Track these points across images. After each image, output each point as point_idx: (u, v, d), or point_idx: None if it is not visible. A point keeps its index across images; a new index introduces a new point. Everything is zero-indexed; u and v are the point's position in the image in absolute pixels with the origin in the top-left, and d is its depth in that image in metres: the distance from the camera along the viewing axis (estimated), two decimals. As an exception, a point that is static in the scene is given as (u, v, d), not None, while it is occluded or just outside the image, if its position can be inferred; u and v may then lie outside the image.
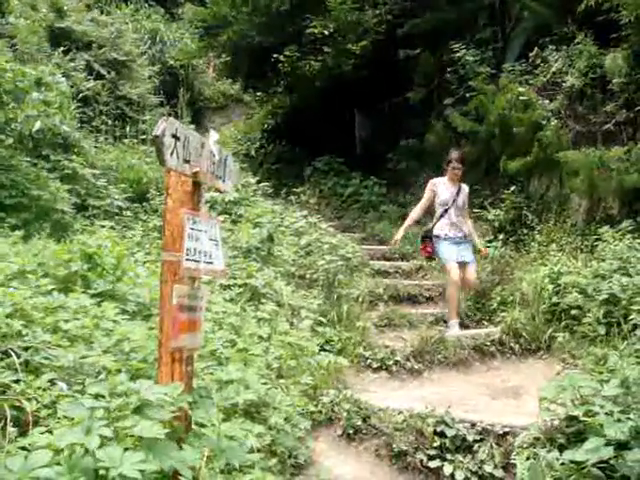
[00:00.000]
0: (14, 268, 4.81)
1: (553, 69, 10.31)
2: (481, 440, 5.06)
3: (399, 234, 8.38)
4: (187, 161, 2.96)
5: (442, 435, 5.11)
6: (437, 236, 8.20)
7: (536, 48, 10.81)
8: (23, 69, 8.12)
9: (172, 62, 18.53)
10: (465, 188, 8.44)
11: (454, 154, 8.43)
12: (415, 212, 8.47)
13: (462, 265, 8.08)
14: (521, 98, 10.36)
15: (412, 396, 6.18)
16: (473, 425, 5.17)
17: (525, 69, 11.02)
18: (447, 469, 4.88)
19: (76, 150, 9.27)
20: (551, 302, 7.45)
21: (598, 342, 6.56)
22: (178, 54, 18.36)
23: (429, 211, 8.68)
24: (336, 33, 13.43)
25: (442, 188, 8.32)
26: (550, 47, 10.54)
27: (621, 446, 3.62)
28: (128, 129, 12.28)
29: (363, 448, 5.28)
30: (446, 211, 8.23)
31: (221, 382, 4.22)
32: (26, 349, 3.57)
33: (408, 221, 8.46)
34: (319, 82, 14.25)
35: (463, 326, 8.11)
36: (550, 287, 7.51)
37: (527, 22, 12.03)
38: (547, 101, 10.31)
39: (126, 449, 2.39)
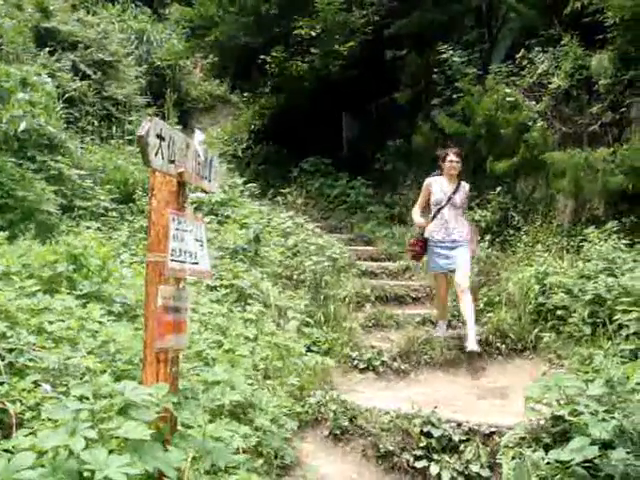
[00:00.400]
0: (-1, 269, 4.79)
1: (539, 70, 10.34)
2: (467, 440, 5.08)
3: (420, 220, 7.86)
4: (172, 161, 2.95)
5: (428, 435, 5.13)
6: (427, 239, 7.76)
7: (522, 49, 10.83)
8: (8, 69, 8.10)
9: (159, 62, 18.47)
10: (465, 186, 7.86)
11: (450, 149, 7.98)
12: (415, 211, 7.98)
13: (453, 271, 7.62)
14: (507, 99, 10.38)
15: (399, 396, 6.19)
16: (459, 425, 5.19)
17: (511, 70, 11.04)
18: (433, 469, 4.90)
19: (62, 151, 9.20)
20: (537, 302, 7.49)
21: (584, 342, 6.60)
22: (165, 54, 18.32)
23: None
24: (323, 34, 13.44)
25: (436, 187, 7.79)
26: (536, 48, 10.56)
27: (606, 445, 3.64)
28: (114, 130, 12.20)
29: (350, 448, 5.28)
30: (439, 211, 7.69)
31: (207, 383, 4.21)
32: (10, 351, 3.55)
33: (418, 215, 7.93)
34: (306, 83, 14.25)
35: (450, 327, 8.13)
36: (536, 287, 7.55)
37: (513, 24, 12.08)
38: (533, 102, 10.34)
39: (111, 451, 2.38)
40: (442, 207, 7.70)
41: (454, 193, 7.72)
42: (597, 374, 4.52)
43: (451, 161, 7.72)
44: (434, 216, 7.75)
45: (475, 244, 8.15)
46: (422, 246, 7.82)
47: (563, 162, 9.00)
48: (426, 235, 7.76)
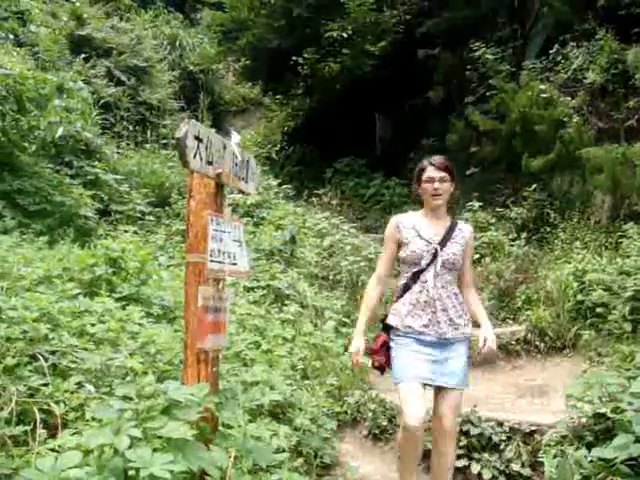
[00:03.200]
0: (40, 273, 4.87)
1: (574, 66, 10.24)
2: (508, 439, 5.03)
3: (357, 341, 4.08)
4: (210, 163, 2.97)
5: (468, 434, 5.09)
6: (393, 328, 4.10)
7: (556, 45, 10.75)
8: (45, 76, 8.21)
9: (192, 67, 18.59)
10: (464, 229, 4.20)
11: (429, 158, 4.25)
12: (371, 284, 4.29)
13: (437, 392, 4.04)
14: (542, 95, 10.29)
15: (437, 396, 6.16)
16: (499, 424, 5.15)
17: (546, 66, 10.95)
18: (474, 468, 4.86)
19: (98, 156, 9.35)
20: (576, 300, 7.40)
21: (624, 339, 6.52)
22: (197, 59, 18.45)
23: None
24: (355, 35, 13.45)
25: (410, 231, 4.12)
26: (571, 43, 10.47)
27: (650, 443, 3.59)
28: (149, 134, 12.35)
29: (389, 448, 5.28)
30: (417, 276, 4.05)
31: (246, 383, 4.25)
32: (53, 353, 3.61)
33: (364, 311, 4.24)
34: (339, 84, 14.28)
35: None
36: (575, 285, 7.47)
37: (547, 19, 11.96)
38: (569, 98, 10.24)
39: (155, 450, 2.40)
40: (423, 269, 4.04)
41: (444, 242, 4.08)
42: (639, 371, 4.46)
43: (431, 179, 4.10)
44: (407, 286, 4.09)
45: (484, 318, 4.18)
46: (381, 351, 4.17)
47: (600, 158, 8.91)
48: (392, 322, 4.11)
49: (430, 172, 4.11)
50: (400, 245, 4.13)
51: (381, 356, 4.13)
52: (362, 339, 4.08)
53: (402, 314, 4.04)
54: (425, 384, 3.95)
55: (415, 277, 4.05)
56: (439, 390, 4.00)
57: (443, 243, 4.05)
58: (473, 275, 4.29)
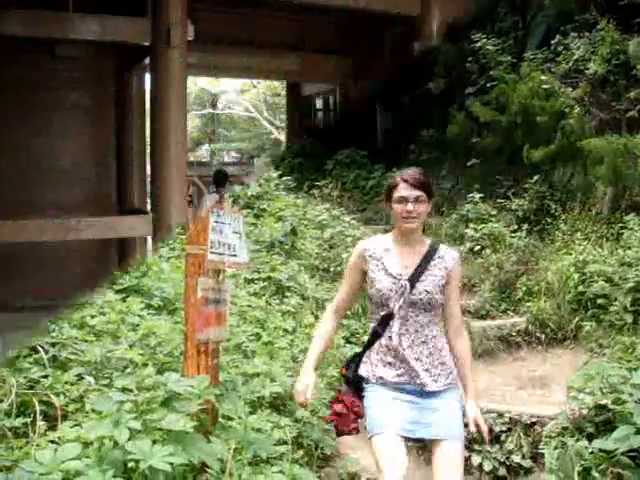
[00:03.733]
0: (40, 265, 4.87)
1: (575, 56, 10.19)
2: (509, 430, 5.05)
3: (306, 378, 3.21)
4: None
5: (469, 425, 5.09)
6: (364, 379, 3.31)
7: (558, 35, 10.69)
8: None
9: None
10: (448, 256, 3.36)
11: (403, 173, 3.30)
12: (325, 319, 3.48)
13: (434, 445, 3.21)
14: (543, 86, 10.26)
15: (438, 387, 6.16)
16: (500, 415, 5.16)
17: (547, 57, 10.90)
18: (475, 459, 4.88)
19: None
20: (577, 291, 7.39)
21: (626, 331, 6.51)
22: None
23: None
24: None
25: (377, 263, 3.32)
26: (572, 34, 10.42)
27: (651, 434, 3.59)
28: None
29: (390, 440, 5.26)
30: (386, 320, 3.26)
31: (247, 375, 4.24)
32: (53, 345, 3.60)
33: (315, 345, 3.39)
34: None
35: (489, 317, 8.05)
36: (576, 276, 7.46)
37: (548, 9, 11.91)
38: (570, 89, 10.20)
39: (154, 442, 2.40)
40: (392, 311, 3.24)
41: (416, 276, 3.26)
42: (641, 362, 4.47)
43: (404, 199, 3.24)
44: (375, 332, 3.31)
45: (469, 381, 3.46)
46: (355, 407, 3.31)
47: (601, 149, 8.88)
48: (362, 372, 3.32)
49: (402, 190, 3.25)
50: (365, 277, 3.35)
51: (350, 420, 3.30)
52: (312, 376, 3.25)
53: (373, 364, 3.29)
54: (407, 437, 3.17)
55: (383, 321, 3.27)
56: (433, 443, 3.22)
57: (415, 277, 3.24)
58: (460, 316, 3.48)
